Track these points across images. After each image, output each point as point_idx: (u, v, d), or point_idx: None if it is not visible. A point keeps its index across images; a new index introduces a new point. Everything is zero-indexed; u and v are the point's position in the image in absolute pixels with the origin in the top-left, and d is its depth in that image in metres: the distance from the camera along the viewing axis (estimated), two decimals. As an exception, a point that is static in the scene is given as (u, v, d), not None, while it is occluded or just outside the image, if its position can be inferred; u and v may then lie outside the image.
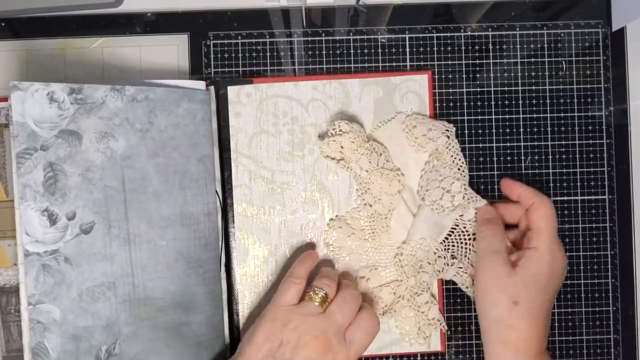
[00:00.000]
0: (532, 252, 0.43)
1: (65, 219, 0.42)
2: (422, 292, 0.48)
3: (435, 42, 0.52)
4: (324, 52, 0.52)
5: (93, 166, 0.43)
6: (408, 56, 0.52)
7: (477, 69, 0.52)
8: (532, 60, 0.52)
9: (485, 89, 0.52)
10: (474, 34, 0.52)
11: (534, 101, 0.52)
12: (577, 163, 0.52)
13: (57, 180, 0.42)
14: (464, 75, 0.52)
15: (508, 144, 0.51)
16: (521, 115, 0.52)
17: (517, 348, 0.41)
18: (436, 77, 0.52)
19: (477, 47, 0.52)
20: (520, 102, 0.52)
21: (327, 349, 0.41)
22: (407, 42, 0.52)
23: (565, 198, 0.52)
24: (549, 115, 0.52)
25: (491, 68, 0.52)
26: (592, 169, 0.52)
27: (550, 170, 0.52)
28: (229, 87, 0.49)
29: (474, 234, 0.47)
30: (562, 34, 0.52)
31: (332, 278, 0.45)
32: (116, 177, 0.44)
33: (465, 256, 0.47)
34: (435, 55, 0.52)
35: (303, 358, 0.41)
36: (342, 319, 0.43)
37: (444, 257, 0.48)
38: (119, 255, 0.43)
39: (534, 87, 0.52)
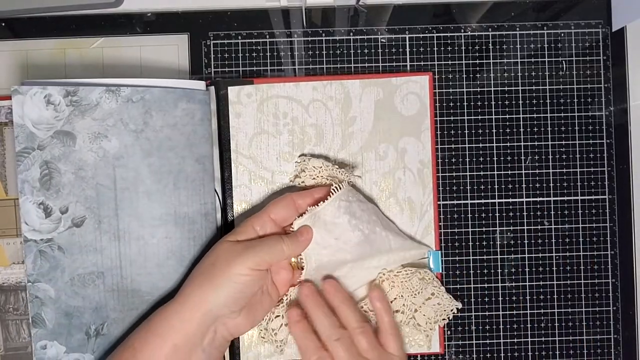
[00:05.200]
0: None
1: (58, 212, 0.45)
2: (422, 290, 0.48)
3: (435, 42, 0.52)
4: (324, 52, 0.52)
5: (85, 165, 0.45)
6: (408, 56, 0.52)
7: (477, 69, 0.52)
8: (532, 60, 0.52)
9: (485, 89, 0.52)
10: (474, 34, 0.52)
11: (534, 101, 0.52)
12: (577, 163, 0.52)
13: (52, 177, 0.45)
14: (464, 75, 0.52)
15: (508, 144, 0.51)
16: (521, 115, 0.52)
17: None
18: (436, 77, 0.52)
19: (477, 47, 0.52)
20: (520, 102, 0.52)
21: None
22: (407, 42, 0.52)
23: (565, 198, 0.52)
24: (549, 115, 0.52)
25: (491, 68, 0.52)
26: (592, 169, 0.52)
27: (550, 170, 0.52)
28: (229, 88, 0.49)
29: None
30: (562, 34, 0.52)
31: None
32: (108, 175, 0.46)
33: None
34: (436, 56, 0.52)
35: None
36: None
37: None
38: (108, 249, 0.46)
39: (534, 87, 0.52)
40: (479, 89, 0.52)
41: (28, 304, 0.45)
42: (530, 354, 0.51)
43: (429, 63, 0.52)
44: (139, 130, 0.46)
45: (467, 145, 0.51)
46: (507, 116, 0.52)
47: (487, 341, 0.51)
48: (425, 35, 0.52)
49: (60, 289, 0.45)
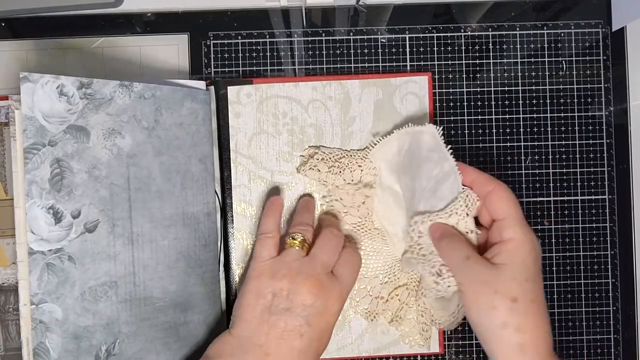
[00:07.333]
0: (510, 244, 0.39)
1: (70, 217, 0.41)
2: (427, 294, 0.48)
3: (435, 42, 0.52)
4: (324, 52, 0.52)
5: (99, 163, 0.42)
6: (408, 56, 0.52)
7: (477, 69, 0.52)
8: (532, 60, 0.52)
9: (485, 89, 0.52)
10: (474, 34, 0.52)
11: (534, 101, 0.52)
12: (577, 163, 0.52)
13: (63, 177, 0.41)
14: (464, 75, 0.52)
15: (508, 144, 0.51)
16: (521, 115, 0.52)
17: (533, 348, 0.37)
18: (436, 77, 0.52)
19: (477, 47, 0.52)
20: (520, 102, 0.52)
21: (320, 288, 0.41)
22: (407, 42, 0.52)
23: (565, 198, 0.51)
24: (549, 115, 0.52)
25: (491, 68, 0.52)
26: (592, 169, 0.52)
27: (550, 170, 0.52)
28: (228, 87, 0.49)
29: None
30: (562, 34, 0.52)
31: (307, 222, 0.45)
32: (122, 175, 0.43)
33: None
34: (435, 56, 0.52)
35: (299, 303, 0.40)
36: (327, 258, 0.42)
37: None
38: (122, 255, 0.43)
39: (534, 87, 0.52)
40: (478, 89, 0.52)
41: (30, 332, 0.39)
42: (530, 354, 0.51)
43: (428, 63, 0.52)
44: (151, 127, 0.45)
45: (467, 145, 0.51)
46: (507, 116, 0.52)
47: (487, 341, 0.51)
48: (425, 35, 0.52)
49: (69, 308, 0.40)
